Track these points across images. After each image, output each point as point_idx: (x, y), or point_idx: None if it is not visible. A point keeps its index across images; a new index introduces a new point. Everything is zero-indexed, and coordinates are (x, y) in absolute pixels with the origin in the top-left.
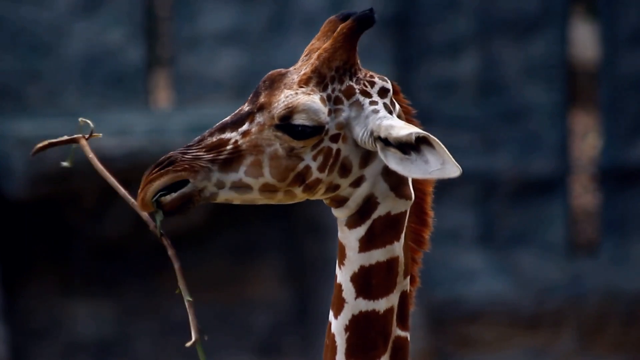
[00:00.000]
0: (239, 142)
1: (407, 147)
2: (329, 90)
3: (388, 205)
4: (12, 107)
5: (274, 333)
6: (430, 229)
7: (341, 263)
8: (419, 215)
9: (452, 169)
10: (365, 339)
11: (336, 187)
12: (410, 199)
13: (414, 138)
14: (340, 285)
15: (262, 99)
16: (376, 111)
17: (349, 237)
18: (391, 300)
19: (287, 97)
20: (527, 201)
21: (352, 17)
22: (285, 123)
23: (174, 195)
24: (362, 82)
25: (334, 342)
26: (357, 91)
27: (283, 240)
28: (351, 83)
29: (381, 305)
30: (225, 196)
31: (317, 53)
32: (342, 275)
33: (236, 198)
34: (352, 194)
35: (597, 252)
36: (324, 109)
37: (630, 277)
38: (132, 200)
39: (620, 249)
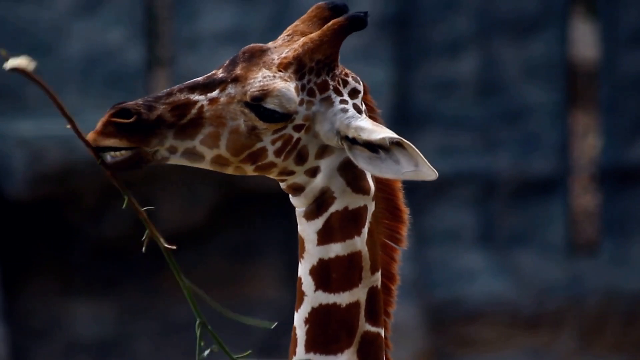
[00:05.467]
0: (204, 108)
1: (376, 146)
2: (305, 81)
3: (345, 200)
4: (12, 107)
5: (274, 333)
6: (407, 225)
7: (301, 256)
8: (393, 212)
9: (427, 172)
10: (326, 332)
11: (290, 172)
12: (369, 193)
13: (387, 143)
14: (300, 279)
15: (238, 71)
16: (345, 110)
17: (307, 230)
18: (355, 295)
19: (265, 77)
20: (527, 201)
21: (346, 16)
22: (256, 104)
23: (124, 155)
24: (336, 79)
25: (295, 335)
26: (331, 87)
27: (283, 240)
28: (327, 78)
29: (343, 299)
30: (175, 161)
31: (302, 40)
32: (302, 269)
33: (186, 163)
34: (308, 184)
35: (597, 252)
36: (296, 99)
37: (630, 277)
38: (82, 134)
39: (620, 249)
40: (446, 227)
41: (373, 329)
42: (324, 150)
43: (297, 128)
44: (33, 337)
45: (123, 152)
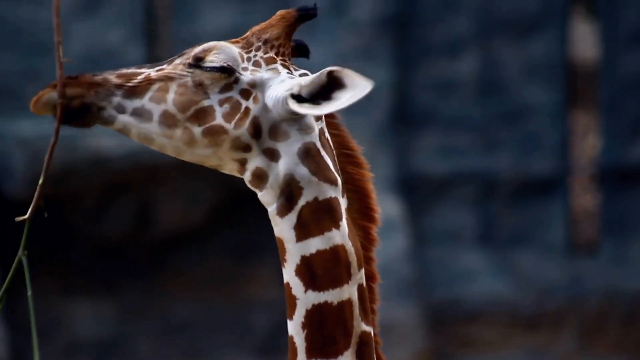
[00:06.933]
0: (151, 74)
1: (322, 97)
2: (251, 55)
3: (313, 190)
4: (12, 107)
5: (274, 333)
6: (378, 225)
7: (283, 260)
8: (366, 212)
9: (361, 88)
10: (323, 334)
11: (246, 147)
12: (336, 184)
13: (326, 72)
14: (288, 284)
15: (183, 52)
16: (292, 77)
17: (284, 228)
18: (346, 292)
19: (207, 43)
20: (527, 201)
21: (295, 8)
22: (199, 63)
23: (73, 102)
24: (288, 63)
25: (294, 344)
26: (279, 62)
27: None
28: (274, 56)
29: (333, 296)
30: (123, 122)
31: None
32: (287, 272)
33: (134, 127)
34: (270, 169)
35: (597, 252)
36: (238, 57)
37: (630, 277)
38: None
39: (620, 249)
40: (446, 227)
41: (367, 328)
42: (276, 131)
43: (244, 94)
44: None
45: (73, 100)
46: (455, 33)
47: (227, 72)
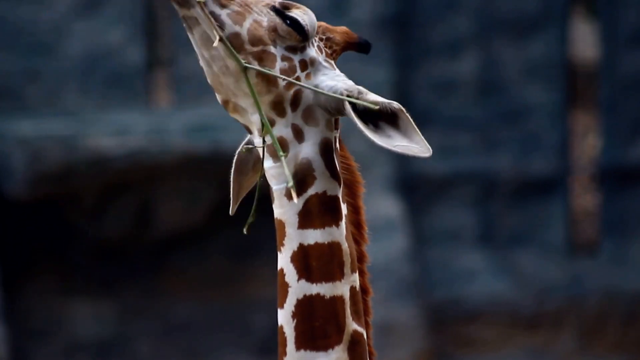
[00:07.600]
0: None
1: (369, 119)
2: (317, 39)
3: (324, 183)
4: (12, 107)
5: (274, 333)
6: (367, 243)
7: (280, 245)
8: (358, 227)
9: (421, 149)
10: (313, 325)
11: (282, 110)
12: (340, 185)
13: (396, 106)
14: (282, 270)
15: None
16: (346, 78)
17: (289, 212)
18: (338, 289)
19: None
20: (527, 201)
21: (359, 35)
22: (282, 10)
23: None
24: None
25: (283, 334)
26: (334, 63)
27: None
28: (331, 53)
29: (325, 290)
30: (196, 13)
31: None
32: (283, 258)
33: (204, 23)
34: (293, 145)
35: (597, 252)
36: (316, 29)
37: (630, 277)
38: None
39: (620, 249)
40: (446, 227)
41: (359, 329)
42: (309, 113)
43: (302, 64)
44: (33, 337)
45: None
46: (455, 33)
47: (303, 36)
